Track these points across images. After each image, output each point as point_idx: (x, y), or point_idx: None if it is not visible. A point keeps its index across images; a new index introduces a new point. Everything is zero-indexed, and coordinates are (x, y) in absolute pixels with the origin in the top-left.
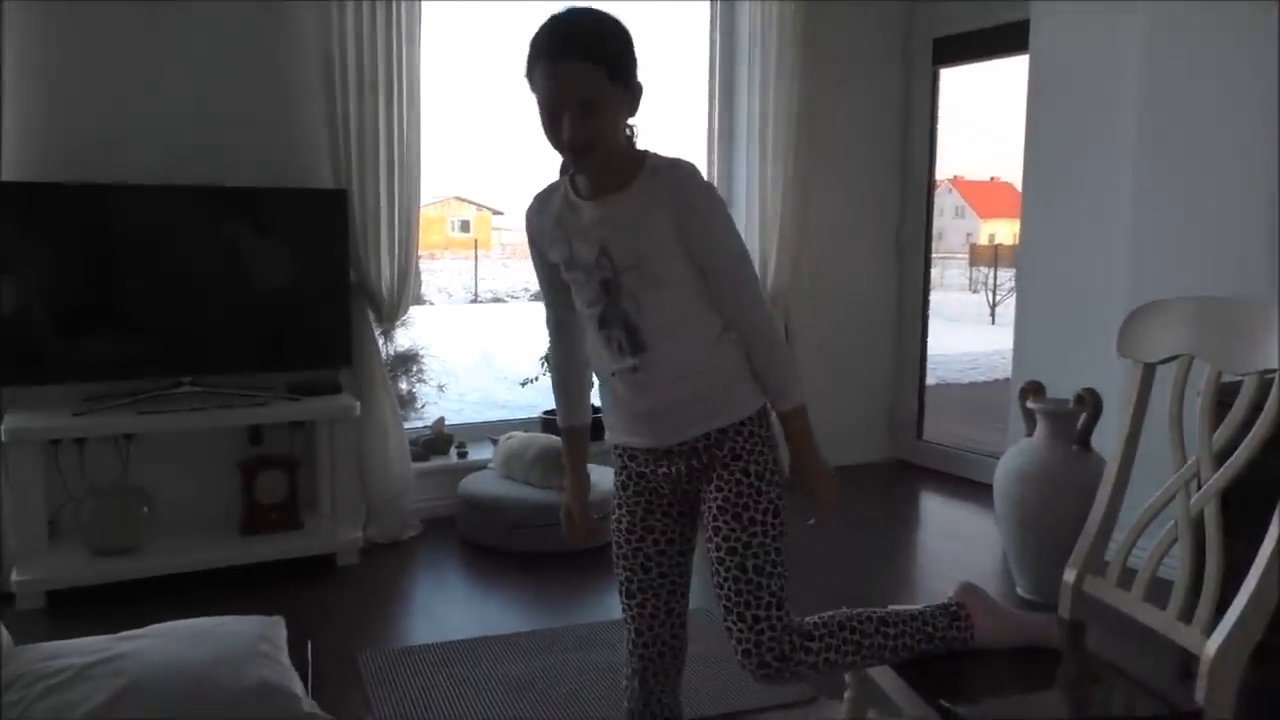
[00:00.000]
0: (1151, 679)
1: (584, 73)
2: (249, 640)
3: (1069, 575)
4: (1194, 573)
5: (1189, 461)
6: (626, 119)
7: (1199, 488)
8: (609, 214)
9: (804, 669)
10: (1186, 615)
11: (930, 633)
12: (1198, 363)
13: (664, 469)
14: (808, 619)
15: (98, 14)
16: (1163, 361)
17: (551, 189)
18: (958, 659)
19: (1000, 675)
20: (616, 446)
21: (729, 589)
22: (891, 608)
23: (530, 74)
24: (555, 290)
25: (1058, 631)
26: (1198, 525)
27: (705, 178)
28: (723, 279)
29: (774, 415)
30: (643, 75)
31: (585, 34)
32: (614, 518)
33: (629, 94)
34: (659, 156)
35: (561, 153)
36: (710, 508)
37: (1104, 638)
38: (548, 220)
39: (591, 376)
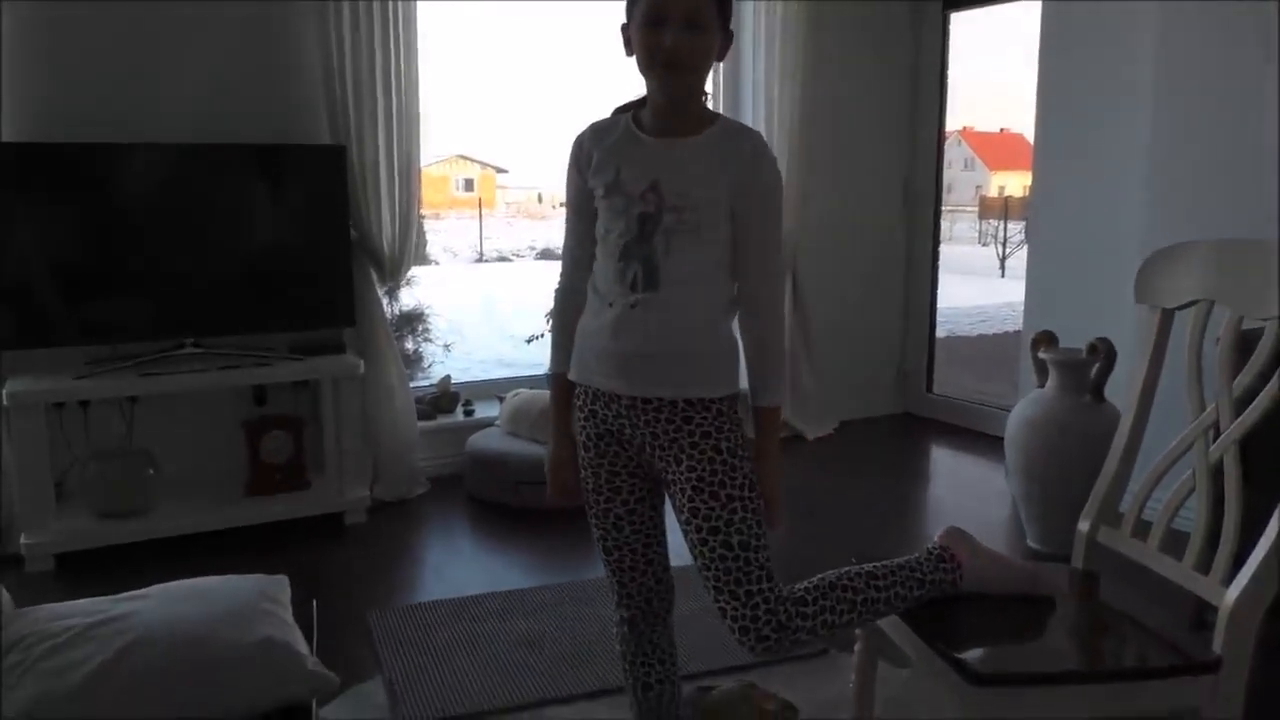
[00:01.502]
0: (1166, 629)
1: (703, 3)
2: (252, 598)
3: (1083, 525)
4: (1212, 522)
5: (1207, 409)
6: (713, 62)
7: (1217, 436)
8: (673, 152)
9: (803, 635)
10: (1204, 565)
11: (920, 578)
12: (1218, 308)
13: (626, 427)
14: (796, 586)
15: None
16: (1181, 307)
17: (611, 122)
18: (968, 610)
19: (1012, 626)
20: (581, 392)
21: (717, 568)
22: (879, 562)
23: None
24: (582, 221)
25: (1047, 577)
26: (1216, 474)
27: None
28: (752, 259)
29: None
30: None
31: None
32: (582, 476)
33: (724, 35)
34: (733, 120)
35: (653, 69)
36: (684, 489)
37: (1118, 588)
38: (601, 147)
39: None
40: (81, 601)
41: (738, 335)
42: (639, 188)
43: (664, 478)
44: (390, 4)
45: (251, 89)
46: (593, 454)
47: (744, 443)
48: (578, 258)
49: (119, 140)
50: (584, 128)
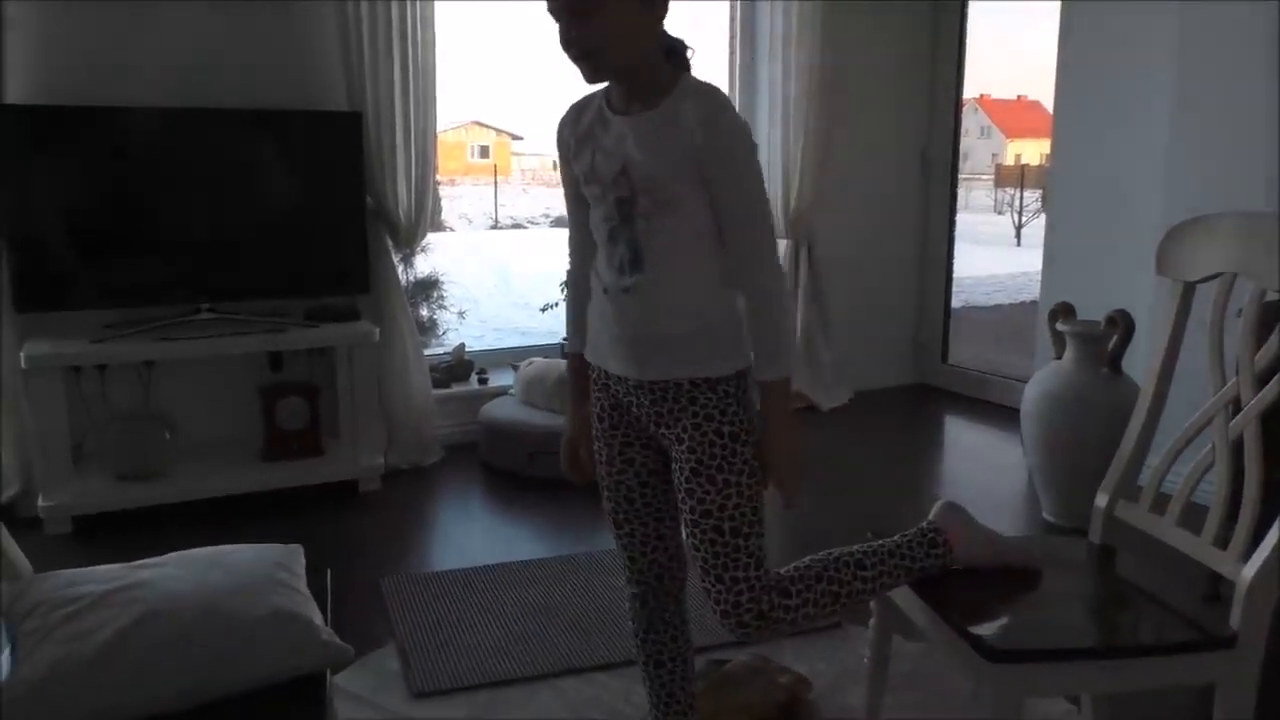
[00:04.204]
0: (1184, 605)
1: None
2: (267, 568)
3: (1101, 500)
4: (1230, 498)
5: (1228, 384)
6: (647, 27)
7: (1237, 411)
8: (634, 130)
9: (784, 625)
10: (1222, 540)
11: (909, 566)
12: (1240, 281)
13: (636, 402)
14: (783, 571)
15: None
16: (1203, 280)
17: (589, 99)
18: (984, 585)
19: (1028, 600)
20: (595, 370)
21: (706, 551)
22: (869, 544)
23: None
24: (579, 205)
25: (1035, 552)
26: (1236, 449)
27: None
28: (735, 222)
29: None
30: None
31: None
32: (595, 449)
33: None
34: (695, 80)
35: (568, 56)
36: (683, 469)
37: (1134, 562)
38: (579, 131)
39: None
40: (98, 568)
41: (738, 307)
42: (611, 172)
43: (670, 454)
44: None
45: (269, 54)
46: (606, 425)
47: (752, 425)
48: (579, 243)
49: (136, 104)
50: (566, 109)
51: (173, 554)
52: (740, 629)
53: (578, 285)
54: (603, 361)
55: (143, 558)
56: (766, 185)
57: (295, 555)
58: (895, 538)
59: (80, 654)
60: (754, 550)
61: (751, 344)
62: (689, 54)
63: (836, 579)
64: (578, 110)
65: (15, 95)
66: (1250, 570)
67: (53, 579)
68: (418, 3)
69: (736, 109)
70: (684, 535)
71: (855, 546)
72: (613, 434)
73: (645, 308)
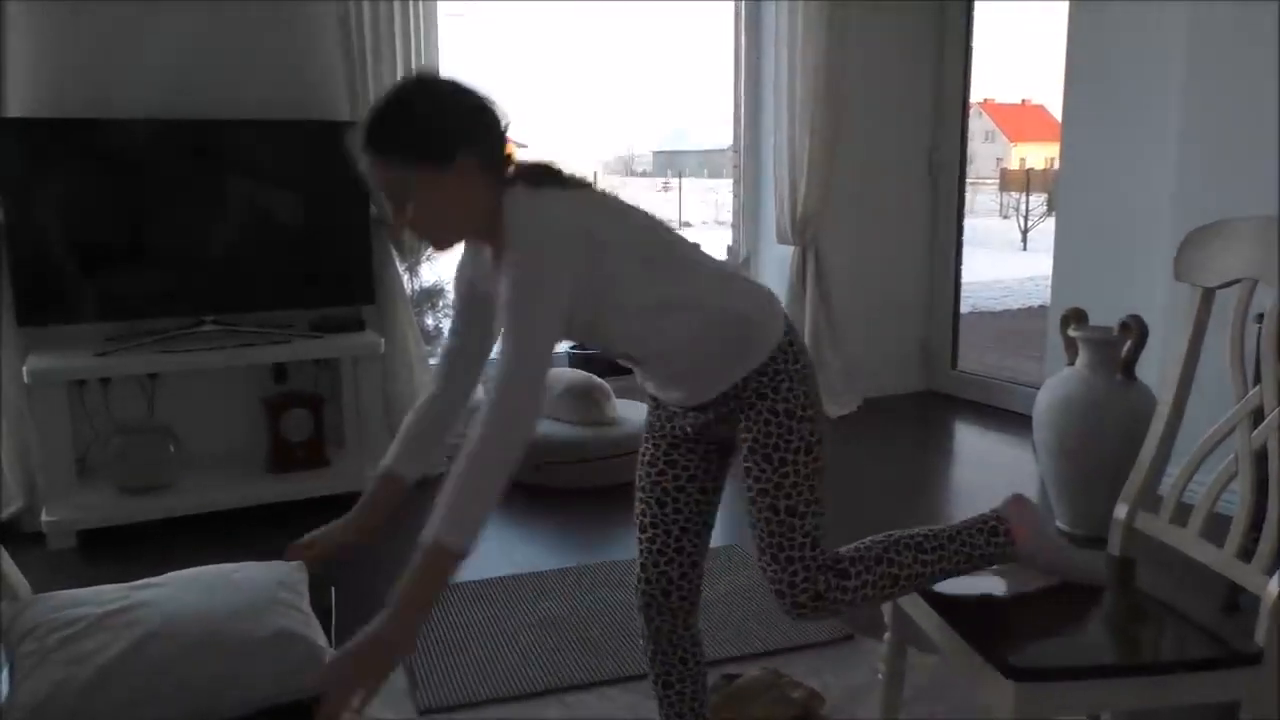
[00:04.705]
0: (1207, 619)
1: (380, 167)
2: (269, 588)
3: (1120, 511)
4: (1254, 509)
5: (1250, 392)
6: (470, 190)
7: (1259, 420)
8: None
9: (840, 606)
10: (1245, 554)
11: (969, 553)
12: (1261, 288)
13: (693, 416)
14: (844, 551)
15: None
16: (1223, 286)
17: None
18: (1002, 600)
19: (1047, 616)
20: (650, 395)
21: (762, 529)
22: (930, 528)
23: None
24: (466, 320)
25: (1102, 567)
26: (1260, 460)
27: (555, 231)
28: (504, 333)
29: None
30: (473, 136)
31: (371, 125)
32: (640, 450)
33: (455, 165)
34: (514, 205)
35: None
36: (743, 448)
37: (1155, 575)
38: (480, 270)
39: (455, 422)
40: (96, 588)
41: (730, 303)
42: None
43: (731, 441)
44: None
45: (272, 65)
46: (657, 432)
47: (808, 400)
48: (456, 348)
49: (139, 116)
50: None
51: (172, 574)
52: (796, 609)
53: (426, 399)
54: (656, 394)
55: (147, 572)
56: (772, 190)
57: (298, 573)
58: (956, 523)
59: (79, 677)
60: (810, 530)
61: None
62: (531, 170)
63: (896, 561)
64: (474, 252)
65: (16, 108)
66: (1275, 585)
67: (50, 600)
68: (420, 12)
69: (553, 211)
70: (746, 515)
71: (915, 529)
72: (662, 437)
73: (661, 374)
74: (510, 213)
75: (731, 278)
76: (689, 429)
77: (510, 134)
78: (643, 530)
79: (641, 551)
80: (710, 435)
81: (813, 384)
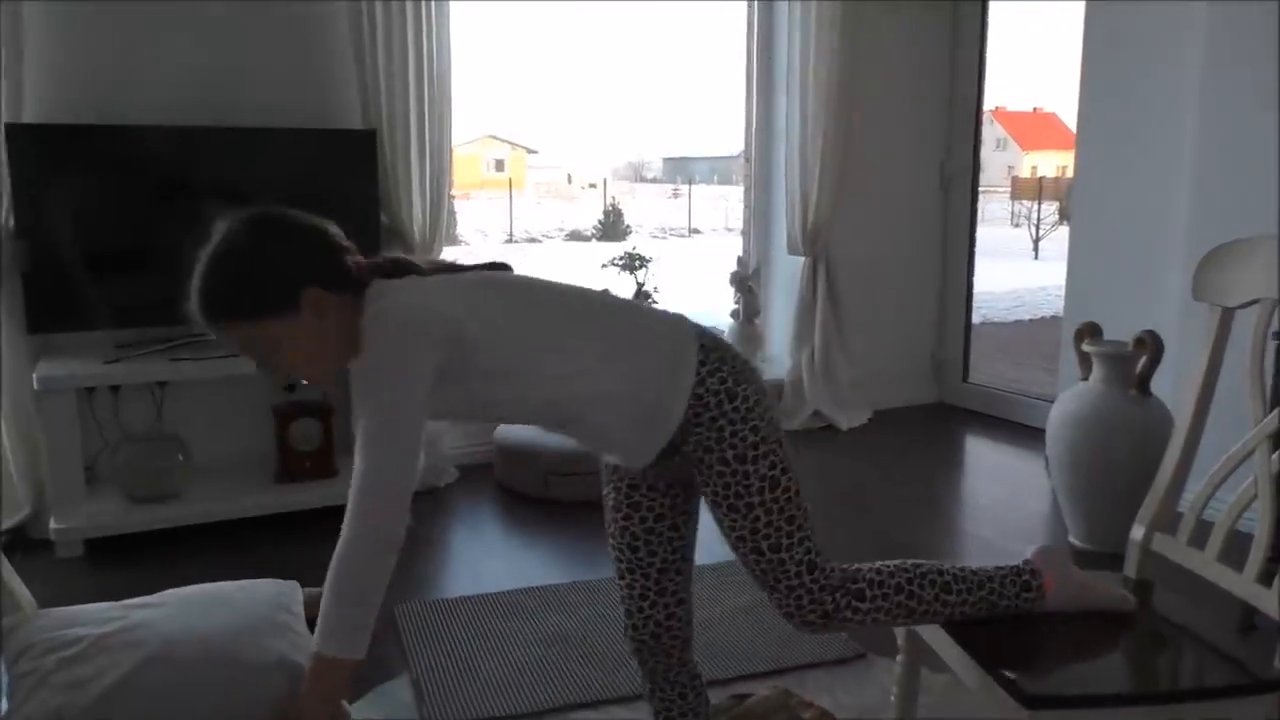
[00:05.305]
0: (1225, 643)
1: (229, 332)
2: (266, 608)
3: (1137, 533)
4: (1274, 530)
5: (1270, 414)
6: (333, 310)
7: (1278, 443)
8: None
9: (851, 624)
10: (1266, 578)
11: (995, 601)
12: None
13: (645, 473)
14: (864, 570)
15: None
16: (1242, 306)
17: None
18: (1017, 624)
19: (1063, 640)
20: None
21: (754, 569)
22: (961, 567)
23: None
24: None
25: (1128, 594)
26: (1279, 481)
27: (405, 319)
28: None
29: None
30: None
31: (202, 298)
32: (603, 494)
33: (300, 305)
34: (371, 303)
35: None
36: (707, 499)
37: (1171, 598)
38: None
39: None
40: (93, 607)
41: (631, 365)
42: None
43: (691, 479)
44: None
45: (285, 73)
46: (607, 471)
47: (758, 433)
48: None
49: (150, 123)
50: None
51: (169, 592)
52: (806, 626)
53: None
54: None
55: (154, 581)
56: (783, 199)
57: (293, 593)
58: (990, 568)
59: (79, 703)
60: (800, 557)
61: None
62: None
63: (918, 595)
64: None
65: (31, 113)
66: None
67: (46, 618)
68: (434, 19)
69: (408, 312)
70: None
71: (946, 565)
72: (620, 478)
73: (589, 441)
74: (367, 311)
75: (630, 334)
76: (645, 473)
77: (342, 240)
78: (620, 576)
79: (623, 598)
80: (668, 476)
81: (758, 414)
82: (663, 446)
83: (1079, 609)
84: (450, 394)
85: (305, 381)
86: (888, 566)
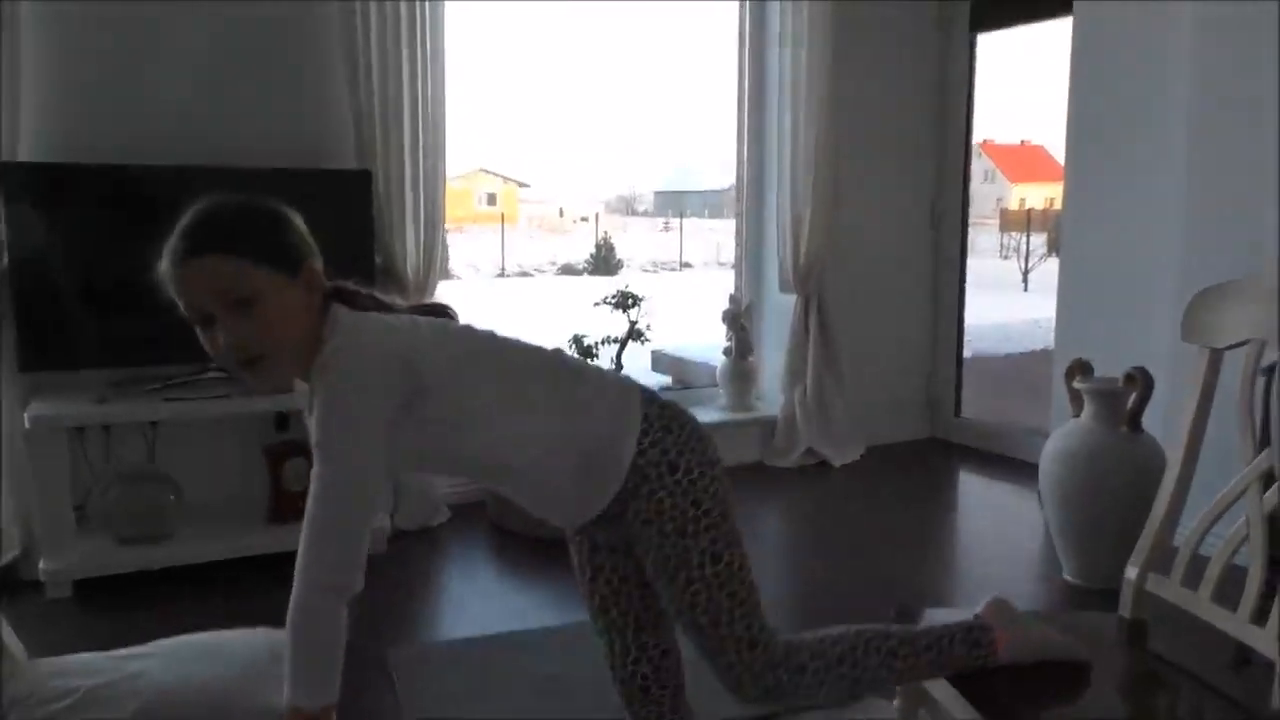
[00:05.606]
0: (1222, 682)
1: (217, 267)
2: (260, 657)
3: (1131, 573)
4: (1267, 572)
5: (1261, 455)
6: (310, 303)
7: (1270, 481)
8: None
9: (794, 700)
10: (1259, 617)
11: (943, 662)
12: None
13: (592, 533)
14: (805, 641)
15: None
16: (1231, 347)
17: None
18: (1017, 669)
19: (1063, 683)
20: None
21: (694, 640)
22: (908, 629)
23: (167, 280)
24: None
25: (1081, 645)
26: (1272, 523)
27: (365, 365)
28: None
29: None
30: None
31: (212, 221)
32: (571, 555)
33: (302, 274)
34: (335, 327)
35: (228, 368)
36: (647, 569)
37: (1167, 637)
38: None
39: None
40: (83, 657)
41: (574, 428)
42: None
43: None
44: (417, 30)
45: (279, 114)
46: (571, 533)
47: (701, 507)
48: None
49: (145, 163)
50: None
51: (159, 642)
52: (746, 702)
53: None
54: None
55: (144, 624)
56: (775, 235)
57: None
58: (938, 627)
59: None
60: (740, 634)
61: None
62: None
63: (862, 664)
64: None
65: (25, 152)
66: None
67: (37, 669)
68: (429, 56)
69: (372, 343)
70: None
71: (893, 629)
72: (580, 541)
73: (524, 500)
74: (331, 335)
75: (578, 397)
76: (596, 536)
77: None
78: (599, 635)
79: (606, 657)
80: (623, 538)
81: (701, 486)
82: (599, 512)
83: (1034, 660)
84: (399, 435)
85: (245, 365)
86: (831, 635)
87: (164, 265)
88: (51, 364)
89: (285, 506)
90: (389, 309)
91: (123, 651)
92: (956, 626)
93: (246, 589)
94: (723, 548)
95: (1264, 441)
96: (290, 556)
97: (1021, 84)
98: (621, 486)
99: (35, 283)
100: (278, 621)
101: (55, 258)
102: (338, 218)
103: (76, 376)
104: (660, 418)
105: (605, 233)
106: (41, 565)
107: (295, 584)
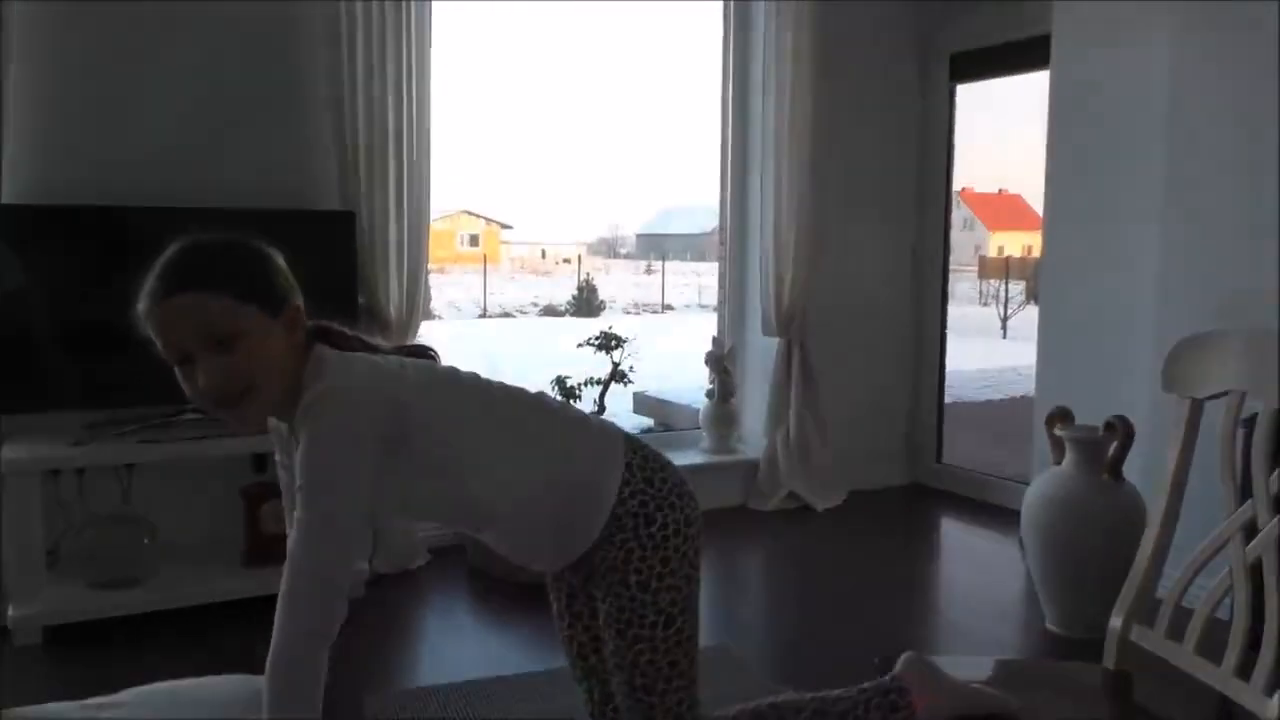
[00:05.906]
0: None
1: (200, 303)
2: (237, 705)
3: (1115, 623)
4: (1251, 624)
5: (1243, 505)
6: (293, 342)
7: (1253, 532)
8: None
9: None
10: (1244, 670)
11: None
12: (1250, 399)
13: (568, 572)
14: (730, 717)
15: (100, 36)
16: (1211, 398)
17: None
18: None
19: None
20: None
21: (623, 700)
22: (823, 697)
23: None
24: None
25: (1008, 697)
26: (1255, 574)
27: (350, 411)
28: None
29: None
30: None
31: (196, 258)
32: (550, 601)
33: (285, 313)
34: (319, 368)
35: (206, 409)
36: (599, 616)
37: (1151, 687)
38: (286, 447)
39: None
40: (55, 706)
41: (555, 474)
42: None
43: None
44: (403, 72)
45: (262, 155)
46: (551, 579)
47: (668, 566)
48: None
49: (126, 204)
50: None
51: (129, 691)
52: None
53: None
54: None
55: (116, 671)
56: (757, 278)
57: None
58: (853, 691)
59: None
60: (672, 705)
61: None
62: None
63: None
64: (276, 434)
65: (5, 195)
66: (1277, 705)
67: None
68: (415, 98)
69: (357, 383)
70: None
71: (807, 697)
72: (558, 586)
73: (504, 546)
74: (316, 376)
75: (563, 444)
76: (574, 582)
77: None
78: (579, 682)
79: (584, 702)
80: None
81: (673, 545)
82: (576, 558)
83: (961, 716)
84: (376, 485)
85: (224, 405)
86: (746, 710)
87: (143, 303)
88: (26, 406)
89: (261, 549)
90: (375, 350)
91: (95, 700)
92: (873, 690)
93: (221, 635)
94: (678, 613)
95: (1245, 492)
96: (268, 600)
97: (998, 133)
98: (599, 536)
99: (9, 325)
100: (256, 668)
101: (32, 299)
102: (321, 258)
103: (51, 418)
104: (644, 468)
105: (588, 274)
106: (10, 612)
107: (275, 630)
